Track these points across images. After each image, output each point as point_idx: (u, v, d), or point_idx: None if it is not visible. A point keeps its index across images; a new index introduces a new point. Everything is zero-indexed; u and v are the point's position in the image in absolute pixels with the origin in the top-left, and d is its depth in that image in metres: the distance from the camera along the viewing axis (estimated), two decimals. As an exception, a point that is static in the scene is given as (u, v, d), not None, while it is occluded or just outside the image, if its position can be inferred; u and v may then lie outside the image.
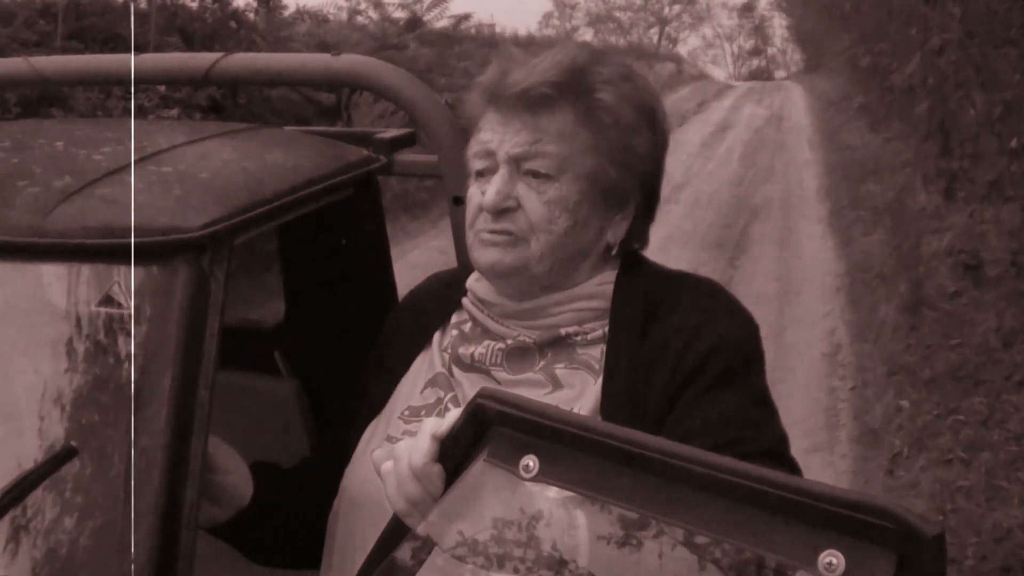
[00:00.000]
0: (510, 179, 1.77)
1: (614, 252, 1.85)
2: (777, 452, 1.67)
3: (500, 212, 1.77)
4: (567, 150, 1.77)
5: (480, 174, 1.81)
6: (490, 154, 1.79)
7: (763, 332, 1.81)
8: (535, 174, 1.77)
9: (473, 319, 1.89)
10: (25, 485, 1.53)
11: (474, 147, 1.84)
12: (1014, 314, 7.52)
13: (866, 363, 7.87)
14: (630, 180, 1.82)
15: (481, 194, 1.79)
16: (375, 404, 1.90)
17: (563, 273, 1.81)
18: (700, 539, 1.15)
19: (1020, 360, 6.97)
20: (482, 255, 1.80)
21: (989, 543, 5.04)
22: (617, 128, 1.80)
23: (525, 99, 1.77)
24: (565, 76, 1.78)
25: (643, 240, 1.91)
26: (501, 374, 1.82)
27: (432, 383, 1.87)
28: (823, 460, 6.26)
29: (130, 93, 8.75)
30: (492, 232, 1.78)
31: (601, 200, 1.81)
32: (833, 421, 6.94)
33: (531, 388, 1.77)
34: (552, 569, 1.24)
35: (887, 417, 6.78)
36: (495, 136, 1.79)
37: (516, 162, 1.77)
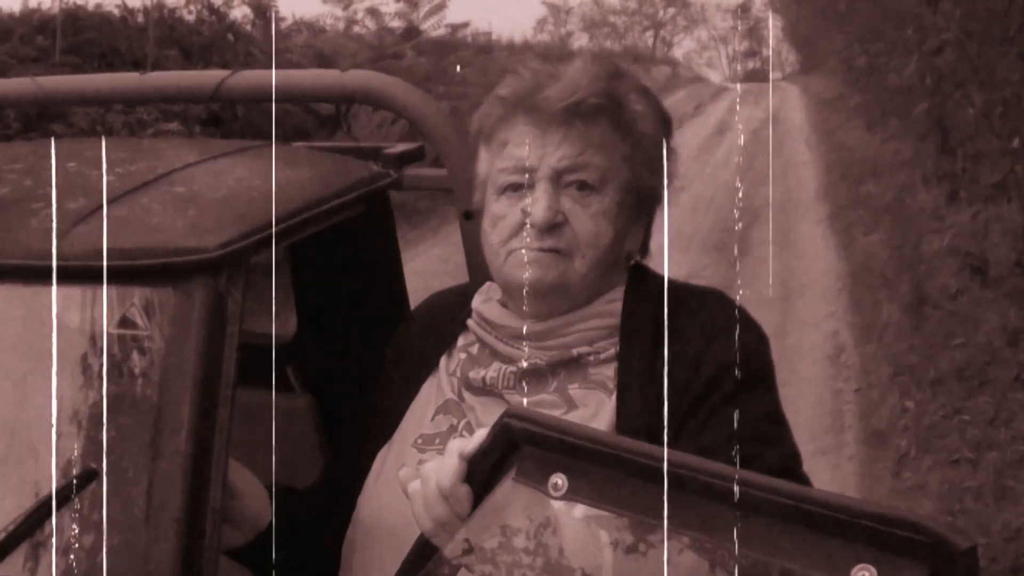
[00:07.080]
0: (555, 193, 1.74)
1: (632, 262, 1.84)
2: (790, 470, 1.65)
3: (549, 228, 1.73)
4: (608, 161, 1.76)
5: (513, 188, 1.76)
6: (526, 169, 1.75)
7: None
8: (580, 186, 1.74)
9: (481, 341, 1.84)
10: (46, 509, 1.53)
11: (503, 162, 1.78)
12: (1018, 313, 7.52)
13: (870, 364, 7.85)
14: (659, 188, 1.82)
15: (520, 212, 1.74)
16: (384, 431, 1.86)
17: (594, 290, 1.78)
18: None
19: (1025, 359, 6.97)
20: (522, 273, 1.74)
21: (999, 543, 5.03)
22: (649, 137, 1.80)
23: (573, 111, 1.74)
24: (605, 87, 1.77)
25: (645, 250, 1.89)
26: (514, 397, 1.78)
27: (443, 410, 1.82)
28: (829, 463, 6.25)
29: (130, 108, 8.76)
30: (539, 250, 1.73)
31: (636, 210, 1.80)
32: (839, 423, 6.93)
33: (546, 410, 1.72)
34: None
35: (893, 418, 6.77)
36: (532, 150, 1.75)
37: (559, 175, 1.74)
